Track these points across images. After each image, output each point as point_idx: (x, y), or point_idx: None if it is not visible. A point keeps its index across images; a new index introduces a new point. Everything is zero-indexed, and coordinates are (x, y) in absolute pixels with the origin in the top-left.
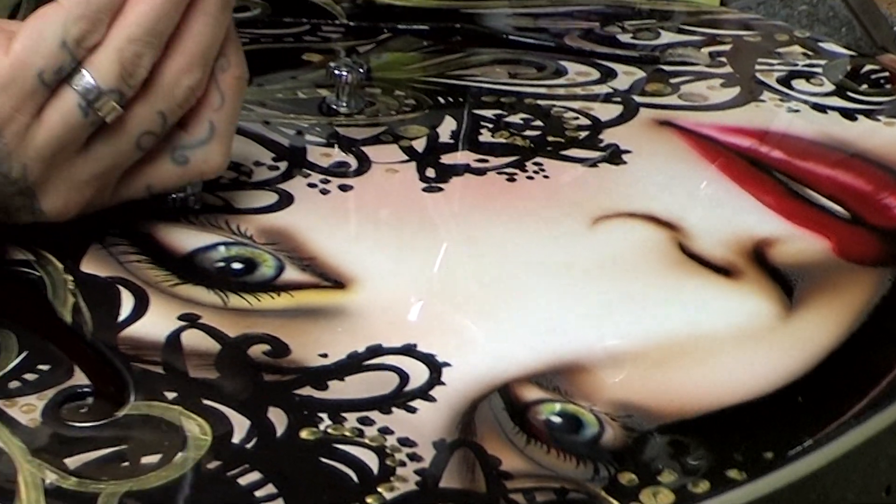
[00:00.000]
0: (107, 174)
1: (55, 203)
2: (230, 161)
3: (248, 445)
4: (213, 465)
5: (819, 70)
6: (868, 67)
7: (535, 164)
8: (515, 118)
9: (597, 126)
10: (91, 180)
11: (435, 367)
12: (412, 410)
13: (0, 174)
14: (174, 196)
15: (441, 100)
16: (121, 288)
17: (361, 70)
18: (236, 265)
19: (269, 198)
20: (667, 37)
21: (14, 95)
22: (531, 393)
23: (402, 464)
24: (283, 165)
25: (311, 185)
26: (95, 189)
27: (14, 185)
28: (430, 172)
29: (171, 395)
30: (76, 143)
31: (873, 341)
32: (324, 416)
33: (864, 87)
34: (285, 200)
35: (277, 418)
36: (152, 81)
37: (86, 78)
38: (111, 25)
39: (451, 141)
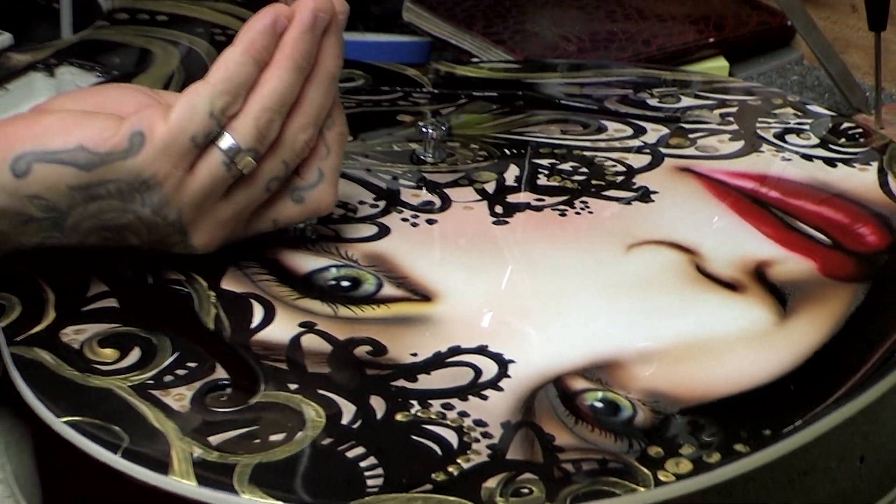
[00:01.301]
0: (242, 213)
1: (202, 238)
2: (339, 200)
3: (354, 426)
4: (326, 441)
5: (807, 127)
6: (846, 125)
7: (582, 202)
8: (566, 166)
9: (630, 172)
10: (230, 219)
11: (502, 364)
12: (484, 398)
13: (160, 217)
14: (294, 228)
15: (507, 151)
16: (253, 301)
17: (444, 128)
18: (344, 283)
19: (371, 229)
20: (686, 101)
21: (172, 156)
22: (578, 383)
23: (477, 440)
24: (381, 204)
25: (404, 220)
26: (233, 225)
27: (171, 226)
28: (499, 209)
29: (293, 387)
30: (220, 191)
31: (850, 343)
32: (414, 402)
33: (843, 140)
34: (383, 231)
35: (377, 404)
36: (278, 138)
37: (229, 140)
38: (248, 97)
39: (515, 184)
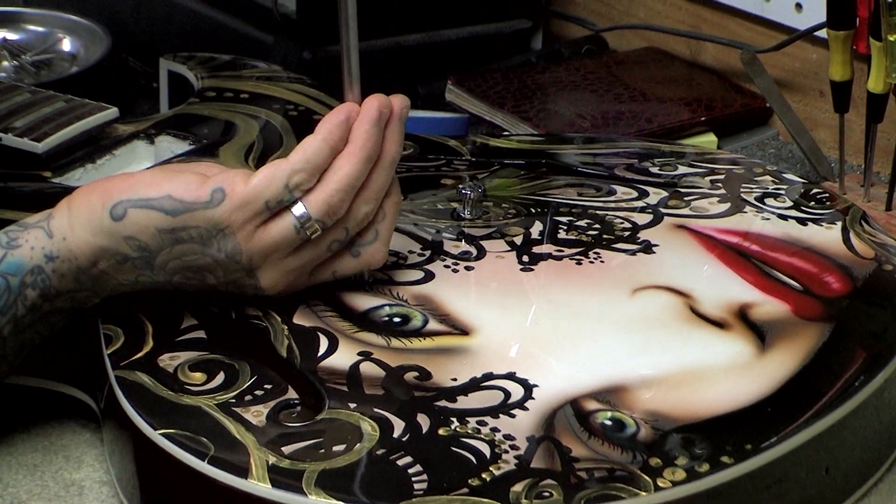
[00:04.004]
0: (306, 266)
1: (269, 282)
2: (391, 249)
3: (404, 439)
4: (380, 451)
5: (783, 192)
6: (815, 191)
7: (595, 253)
8: (581, 222)
9: (635, 228)
10: (294, 269)
11: (527, 388)
12: (512, 416)
13: (234, 261)
14: (355, 277)
15: (532, 210)
16: (319, 334)
17: (480, 190)
18: (396, 319)
19: (418, 274)
20: (682, 169)
21: (247, 212)
22: (591, 404)
23: (506, 451)
24: (427, 253)
25: (446, 266)
26: (297, 274)
27: (243, 269)
28: (525, 258)
29: (352, 405)
30: (289, 248)
31: (818, 373)
32: (454, 419)
33: (812, 203)
34: (429, 276)
35: (423, 421)
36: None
37: (303, 210)
38: (324, 177)
39: (539, 237)
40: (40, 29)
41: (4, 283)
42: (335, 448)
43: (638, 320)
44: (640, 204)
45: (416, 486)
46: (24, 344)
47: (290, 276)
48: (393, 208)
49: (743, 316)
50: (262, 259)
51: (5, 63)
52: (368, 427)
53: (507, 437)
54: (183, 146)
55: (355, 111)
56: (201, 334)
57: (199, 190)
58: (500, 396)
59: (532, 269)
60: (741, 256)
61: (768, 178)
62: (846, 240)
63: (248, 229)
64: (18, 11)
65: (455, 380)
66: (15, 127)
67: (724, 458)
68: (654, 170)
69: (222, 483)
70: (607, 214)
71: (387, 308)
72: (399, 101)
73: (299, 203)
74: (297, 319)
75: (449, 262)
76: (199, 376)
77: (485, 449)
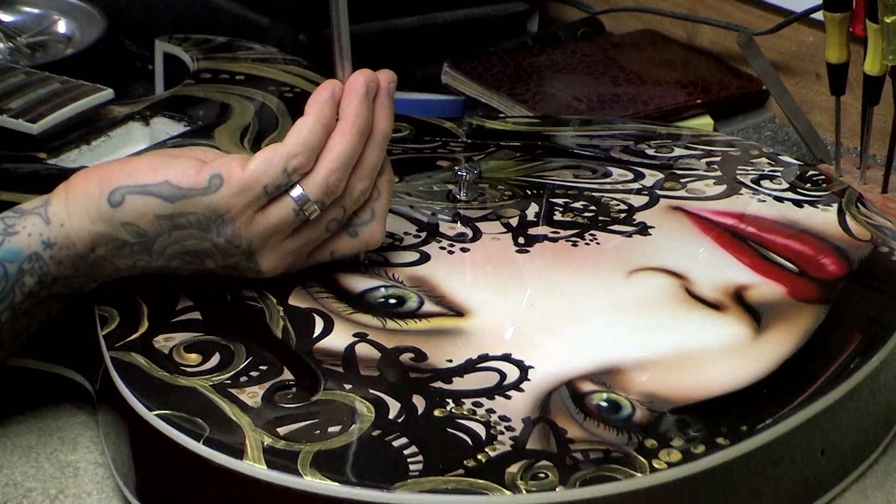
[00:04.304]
0: (305, 247)
1: (269, 265)
2: (387, 231)
3: (399, 420)
4: (375, 432)
5: (779, 174)
6: (811, 173)
7: (591, 235)
8: (577, 204)
9: (631, 210)
10: (293, 251)
11: (523, 369)
12: (508, 397)
13: (233, 245)
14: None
15: (528, 192)
16: (315, 315)
17: (476, 172)
18: (392, 300)
19: (414, 256)
20: (678, 151)
21: (246, 198)
22: (586, 386)
23: (501, 433)
24: (423, 235)
25: (442, 248)
26: (296, 256)
27: (242, 254)
28: (521, 240)
29: (347, 387)
30: (288, 230)
31: (813, 355)
32: (449, 400)
33: (808, 185)
34: (424, 258)
35: (418, 402)
36: None
37: (301, 192)
38: (319, 158)
39: (535, 219)
40: (35, 11)
41: (2, 271)
42: (331, 429)
43: (634, 302)
44: (636, 186)
45: (411, 467)
46: (20, 330)
47: (288, 258)
48: (387, 186)
49: (739, 298)
50: (262, 243)
51: (0, 45)
52: (364, 408)
53: (503, 418)
54: (178, 128)
55: (339, 87)
56: (197, 315)
57: (197, 176)
58: (495, 378)
59: (528, 251)
60: (737, 238)
61: (764, 160)
62: (842, 222)
63: (247, 214)
64: None
65: (450, 361)
66: (10, 108)
67: (720, 440)
68: (651, 152)
69: (218, 464)
70: (603, 196)
71: (382, 289)
72: (385, 75)
73: (297, 185)
74: (293, 301)
75: (445, 243)
76: (194, 357)
77: (480, 430)
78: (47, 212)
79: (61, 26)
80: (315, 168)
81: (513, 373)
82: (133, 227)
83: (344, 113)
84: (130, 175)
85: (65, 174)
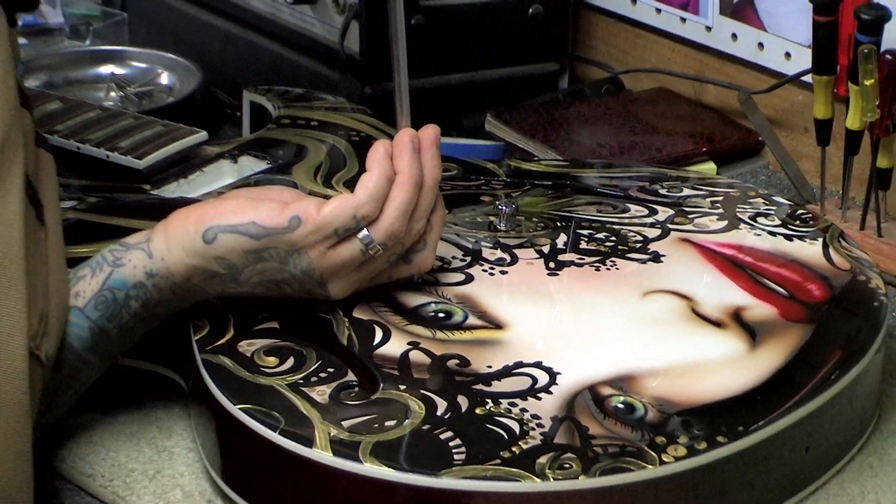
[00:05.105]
0: (368, 276)
1: (337, 291)
2: (437, 256)
3: (446, 416)
4: (425, 427)
5: (772, 212)
6: (800, 212)
7: (611, 261)
8: (600, 235)
9: (646, 241)
10: (359, 279)
11: (552, 375)
12: (539, 399)
13: (308, 276)
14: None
15: (558, 224)
16: (375, 326)
17: (513, 206)
18: (441, 314)
19: (460, 277)
20: (686, 191)
21: (320, 236)
22: (606, 390)
23: (533, 429)
24: (467, 259)
25: (484, 271)
26: (360, 282)
27: (315, 282)
28: (551, 265)
29: (402, 387)
30: (355, 265)
31: (799, 367)
32: (489, 400)
33: (798, 222)
34: (469, 279)
35: (462, 401)
36: None
37: (367, 234)
38: (383, 208)
39: (564, 247)
40: (143, 65)
41: (112, 296)
42: (387, 423)
43: (647, 319)
44: (650, 220)
45: (455, 457)
46: (126, 341)
47: (354, 285)
48: (439, 221)
49: (737, 317)
50: (332, 274)
51: (113, 94)
52: (416, 406)
53: (534, 416)
54: (261, 165)
55: (389, 144)
56: (274, 325)
57: (279, 217)
58: (528, 382)
59: (557, 274)
60: (736, 266)
61: (760, 200)
62: (826, 254)
63: (320, 250)
64: (125, 50)
65: (490, 367)
66: (120, 147)
67: (720, 438)
68: (663, 192)
69: (291, 451)
70: (622, 229)
71: (433, 305)
72: (429, 131)
73: (365, 230)
74: (356, 313)
75: (486, 267)
76: (272, 360)
77: (515, 426)
78: (150, 247)
79: (164, 78)
80: (380, 217)
81: (543, 378)
82: (224, 261)
83: (399, 168)
84: (221, 216)
85: (165, 203)
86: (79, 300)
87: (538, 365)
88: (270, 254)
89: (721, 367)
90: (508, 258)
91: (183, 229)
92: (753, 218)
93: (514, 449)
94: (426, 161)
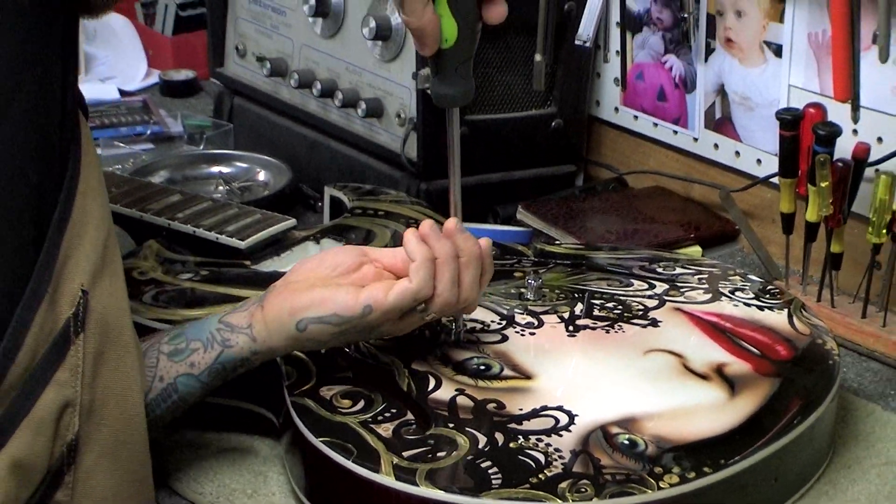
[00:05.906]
0: (412, 325)
1: (387, 332)
2: (476, 320)
3: (485, 449)
4: (469, 457)
5: (747, 287)
6: (769, 287)
7: (618, 325)
8: (609, 304)
9: (646, 310)
10: (406, 327)
11: (571, 416)
12: (560, 435)
13: (369, 330)
14: (454, 335)
15: (576, 295)
16: (429, 375)
17: (540, 280)
18: (482, 367)
19: (497, 337)
20: (678, 270)
21: (388, 316)
22: (614, 429)
23: (555, 460)
24: (503, 322)
25: (516, 332)
26: (408, 328)
27: (373, 332)
28: (571, 328)
29: (451, 426)
30: (413, 327)
31: (769, 413)
32: (520, 437)
33: (767, 296)
34: (504, 339)
35: (499, 437)
36: None
37: (424, 308)
38: (434, 287)
39: (580, 314)
40: (244, 165)
41: (223, 368)
42: (439, 454)
43: (647, 372)
44: (649, 293)
45: (493, 482)
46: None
47: (402, 330)
48: (484, 281)
49: (719, 371)
50: (394, 330)
51: (221, 188)
52: (461, 440)
53: (556, 450)
54: (339, 245)
55: (416, 231)
56: (349, 374)
57: (355, 307)
58: (552, 422)
59: (575, 336)
60: (718, 330)
61: (737, 277)
62: (790, 321)
63: (388, 324)
64: (230, 153)
65: (521, 409)
66: (227, 230)
67: (706, 469)
68: (659, 270)
69: (361, 476)
70: (627, 299)
71: (475, 359)
72: (450, 222)
73: (422, 304)
74: (414, 365)
75: (518, 329)
76: (347, 402)
77: (541, 457)
78: (253, 332)
79: (261, 176)
80: (433, 297)
81: (563, 419)
82: (312, 342)
83: (437, 252)
84: (309, 308)
85: (261, 277)
86: (194, 369)
87: (560, 408)
88: (349, 332)
89: (706, 411)
90: (536, 322)
91: (279, 321)
92: (732, 292)
93: (540, 476)
94: (459, 242)
